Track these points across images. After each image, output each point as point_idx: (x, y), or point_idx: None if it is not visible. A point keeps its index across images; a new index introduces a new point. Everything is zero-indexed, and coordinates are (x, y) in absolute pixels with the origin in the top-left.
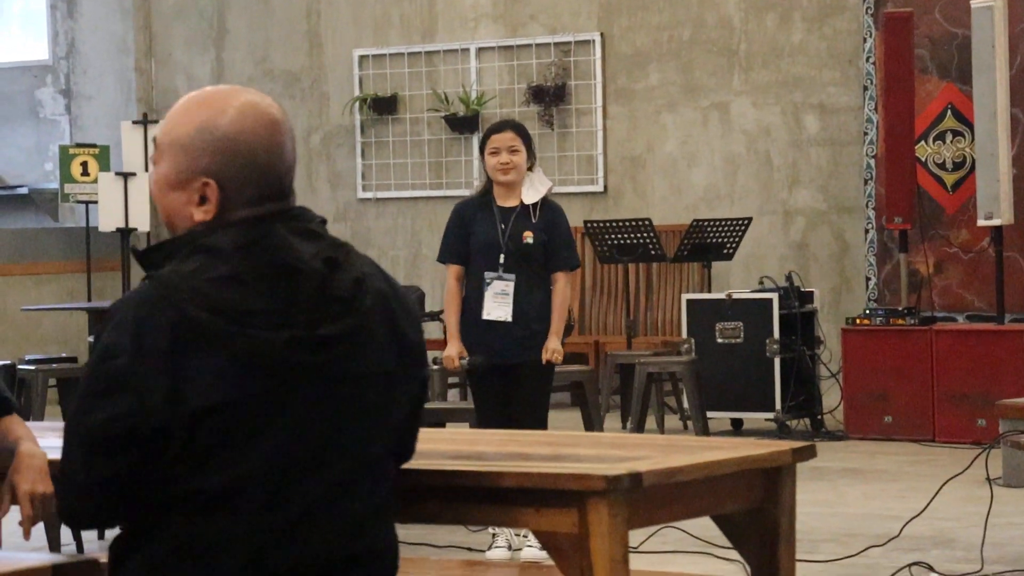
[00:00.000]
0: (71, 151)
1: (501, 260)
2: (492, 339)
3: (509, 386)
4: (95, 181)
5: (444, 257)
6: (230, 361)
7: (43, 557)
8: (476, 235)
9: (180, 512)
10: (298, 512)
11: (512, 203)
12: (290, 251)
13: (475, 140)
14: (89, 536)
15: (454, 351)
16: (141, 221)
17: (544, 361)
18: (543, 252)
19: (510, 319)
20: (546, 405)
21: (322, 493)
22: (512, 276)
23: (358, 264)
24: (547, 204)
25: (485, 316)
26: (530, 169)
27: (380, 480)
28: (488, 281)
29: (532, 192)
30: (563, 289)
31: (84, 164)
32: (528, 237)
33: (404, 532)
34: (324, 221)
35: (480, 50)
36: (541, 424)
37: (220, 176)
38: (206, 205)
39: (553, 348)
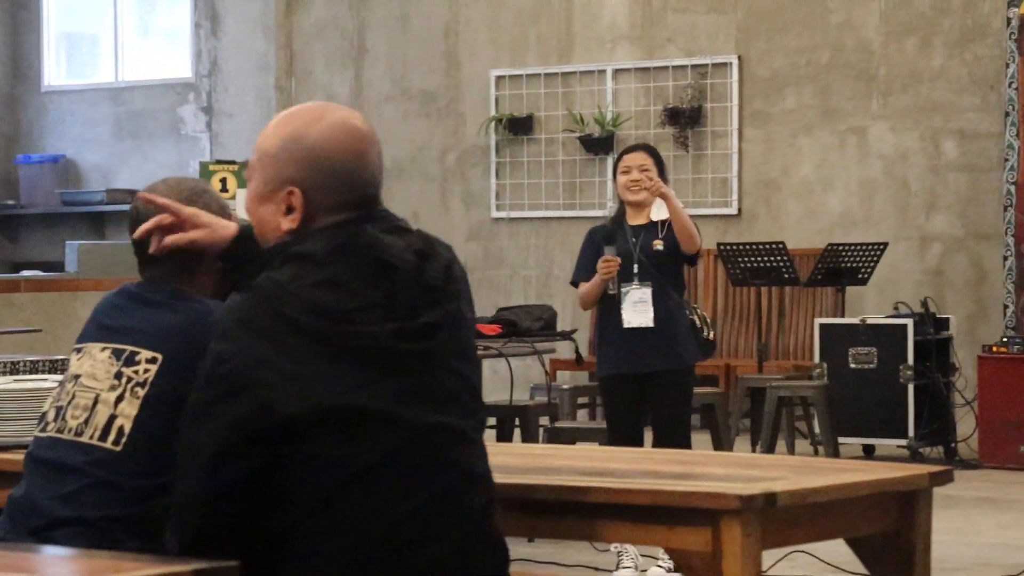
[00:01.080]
0: (211, 168)
1: (635, 270)
2: (634, 346)
3: (648, 395)
4: (234, 197)
5: (577, 278)
6: (341, 358)
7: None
8: (609, 251)
9: (313, 517)
10: (424, 500)
11: (642, 221)
12: (382, 248)
13: (609, 161)
14: None
15: (601, 264)
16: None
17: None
18: (674, 260)
19: (651, 324)
20: (688, 416)
21: (445, 481)
22: (649, 284)
23: (443, 252)
24: (667, 226)
25: (626, 324)
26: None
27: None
28: (625, 291)
29: (661, 211)
30: (692, 227)
31: (223, 180)
32: (658, 244)
33: (531, 550)
34: (406, 222)
35: (616, 71)
36: (684, 438)
37: (305, 184)
38: (292, 214)
39: (656, 181)
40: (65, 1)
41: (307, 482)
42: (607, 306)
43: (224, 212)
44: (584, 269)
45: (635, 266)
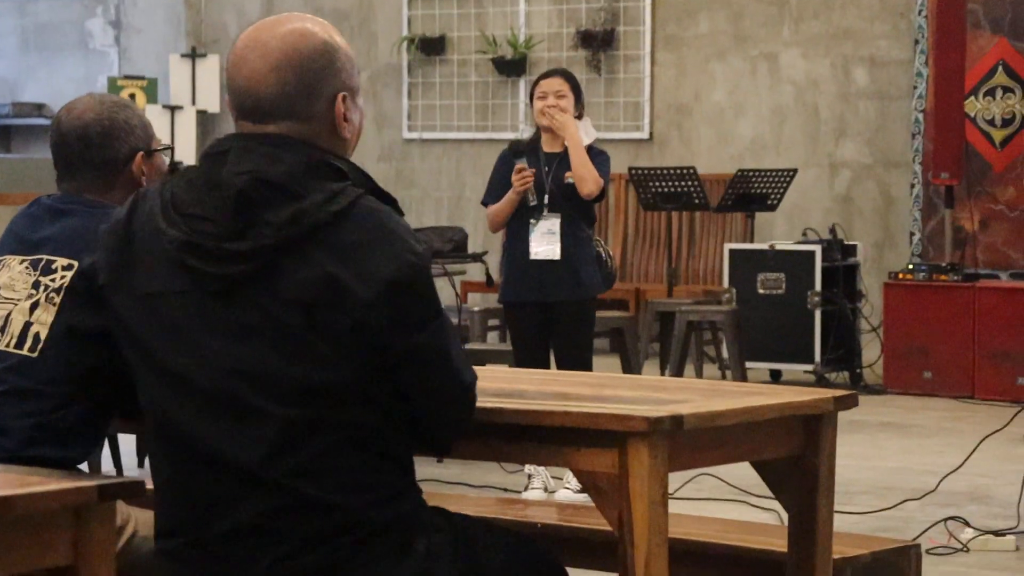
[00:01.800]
0: (119, 83)
1: (545, 200)
2: (539, 276)
3: (551, 323)
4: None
5: (488, 199)
6: (157, 256)
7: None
8: (521, 163)
9: None
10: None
11: (557, 148)
12: (230, 164)
13: (522, 83)
14: (129, 464)
15: (515, 176)
16: (187, 154)
17: (522, 179)
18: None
19: (558, 257)
20: (590, 344)
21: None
22: (557, 216)
23: (321, 198)
24: (592, 151)
25: (533, 256)
26: (578, 118)
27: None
28: (534, 222)
29: (585, 136)
30: (593, 171)
31: (132, 96)
32: (570, 177)
33: (440, 470)
34: (336, 168)
35: None
36: (585, 363)
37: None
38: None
39: (561, 117)
40: None
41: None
42: (514, 232)
43: (145, 129)
44: (496, 189)
45: (546, 196)
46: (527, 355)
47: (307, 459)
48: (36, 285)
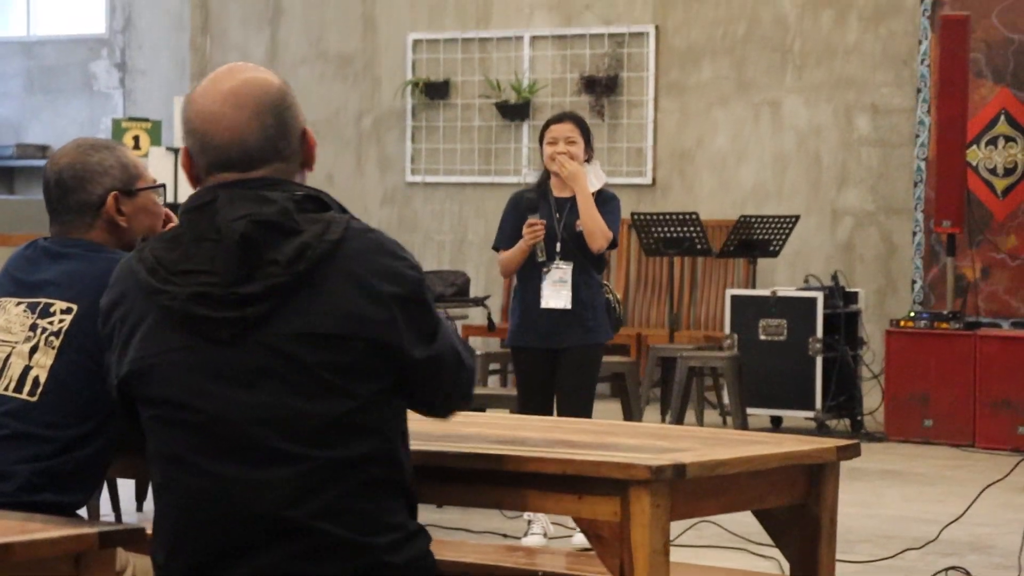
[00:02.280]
0: (123, 124)
1: (557, 249)
2: (549, 324)
3: (557, 368)
4: (146, 155)
5: (499, 244)
6: (164, 318)
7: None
8: (534, 217)
9: None
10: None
11: (567, 193)
12: (223, 213)
13: (526, 128)
14: (128, 508)
15: (527, 229)
16: (187, 191)
17: (560, 168)
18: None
19: (569, 306)
20: (593, 390)
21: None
22: (569, 264)
23: (317, 231)
24: (603, 196)
25: (544, 304)
26: (587, 161)
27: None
28: (546, 269)
29: (593, 181)
30: (604, 225)
31: (136, 138)
32: (580, 226)
33: (440, 516)
34: (315, 198)
35: (534, 38)
36: (586, 408)
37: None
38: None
39: (572, 165)
40: None
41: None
42: (525, 278)
43: (125, 169)
44: (506, 235)
45: (558, 244)
46: (532, 400)
47: (332, 499)
48: (34, 328)
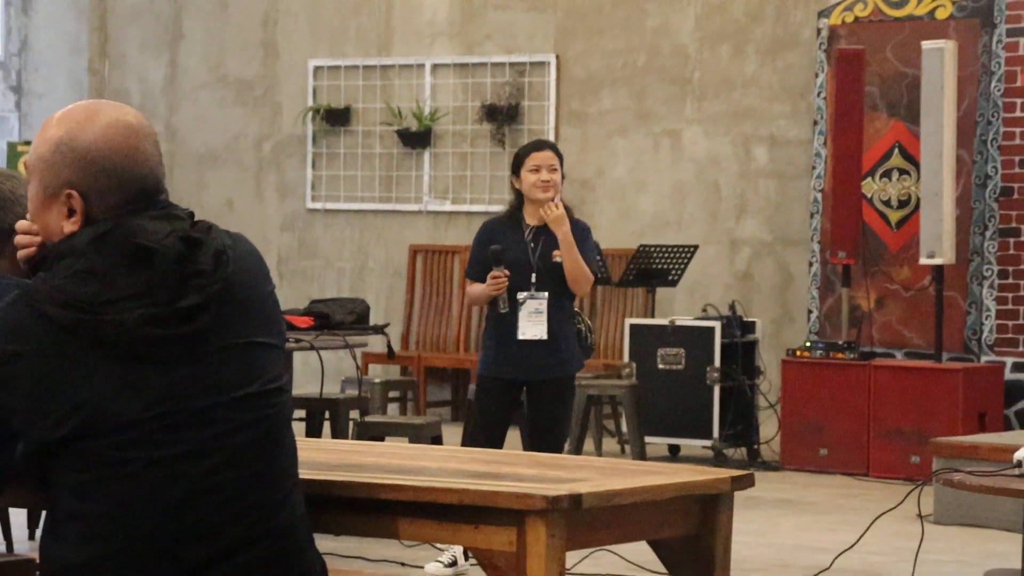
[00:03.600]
0: (19, 148)
1: (533, 279)
2: (522, 355)
3: (530, 399)
4: None
5: (472, 273)
6: (97, 353)
7: None
8: (505, 253)
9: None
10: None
11: (541, 221)
12: (143, 234)
13: (427, 155)
14: (20, 536)
15: (490, 280)
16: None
17: (547, 210)
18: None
19: (545, 337)
20: (568, 420)
21: (206, 464)
22: (544, 294)
23: (219, 238)
24: (577, 225)
25: (520, 336)
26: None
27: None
28: (521, 300)
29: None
30: (587, 271)
31: None
32: (557, 256)
33: (336, 544)
34: (192, 213)
35: (435, 66)
36: (560, 440)
37: (82, 186)
38: (74, 216)
39: (558, 211)
40: None
41: (65, 484)
42: (502, 314)
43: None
44: (476, 264)
45: (533, 275)
46: (491, 430)
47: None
48: None
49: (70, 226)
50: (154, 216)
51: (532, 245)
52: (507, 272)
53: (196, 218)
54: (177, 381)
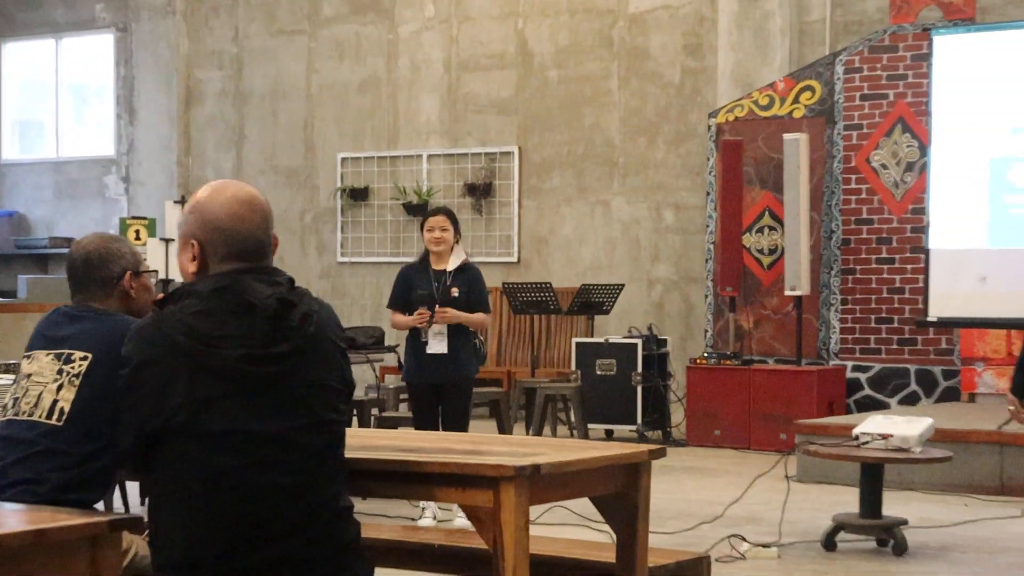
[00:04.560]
0: (128, 222)
1: (436, 308)
2: (433, 365)
3: (441, 399)
4: (145, 244)
5: (392, 305)
6: (202, 372)
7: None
8: (417, 290)
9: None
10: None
11: (442, 266)
12: (250, 292)
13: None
14: (133, 502)
15: (416, 315)
16: (177, 275)
17: (422, 321)
18: (466, 301)
19: (446, 351)
20: (468, 410)
21: (285, 481)
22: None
23: (309, 304)
24: (468, 268)
25: (428, 351)
26: (457, 242)
27: (329, 468)
28: (429, 325)
29: (455, 259)
30: (481, 318)
31: (137, 232)
32: (454, 292)
33: (365, 506)
34: (292, 280)
35: (430, 156)
36: (464, 425)
37: (201, 239)
38: (195, 261)
39: (449, 312)
40: (17, 95)
41: (164, 468)
42: (415, 332)
43: (134, 255)
44: (398, 297)
45: (436, 305)
46: (423, 419)
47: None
48: (60, 372)
49: (192, 267)
50: (260, 279)
51: (436, 284)
52: (429, 313)
53: (294, 283)
54: (258, 406)
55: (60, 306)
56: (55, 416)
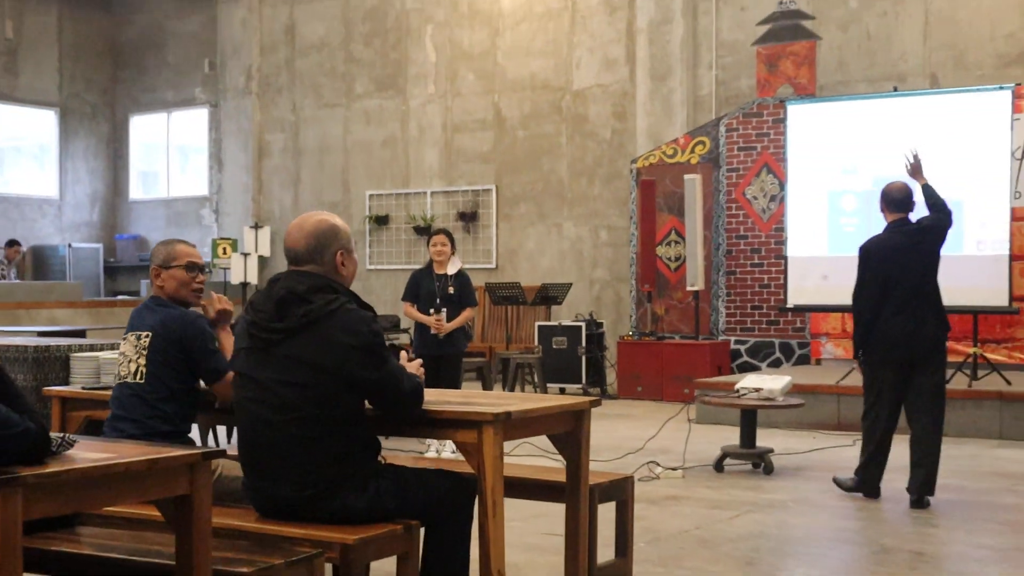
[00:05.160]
0: (217, 242)
1: (438, 302)
2: (435, 343)
3: (440, 367)
4: (230, 257)
5: (405, 298)
6: (243, 329)
7: (198, 448)
8: (423, 288)
9: None
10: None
11: (443, 271)
12: (276, 284)
13: (427, 240)
14: (222, 440)
15: (432, 318)
16: (253, 278)
17: (436, 329)
18: (459, 298)
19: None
20: (460, 376)
21: (271, 417)
22: (444, 310)
23: (318, 301)
24: (461, 273)
25: (432, 332)
26: (453, 254)
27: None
28: (431, 313)
29: (452, 267)
30: (468, 313)
31: (224, 248)
32: (451, 290)
33: (388, 443)
34: (329, 285)
35: (433, 192)
36: (457, 386)
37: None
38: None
39: (444, 327)
40: (141, 153)
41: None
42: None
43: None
44: (410, 291)
45: (438, 300)
46: (428, 381)
47: (320, 434)
48: (138, 347)
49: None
50: (291, 276)
51: (438, 284)
52: (441, 317)
53: (319, 284)
54: (258, 360)
55: (145, 300)
56: (138, 376)
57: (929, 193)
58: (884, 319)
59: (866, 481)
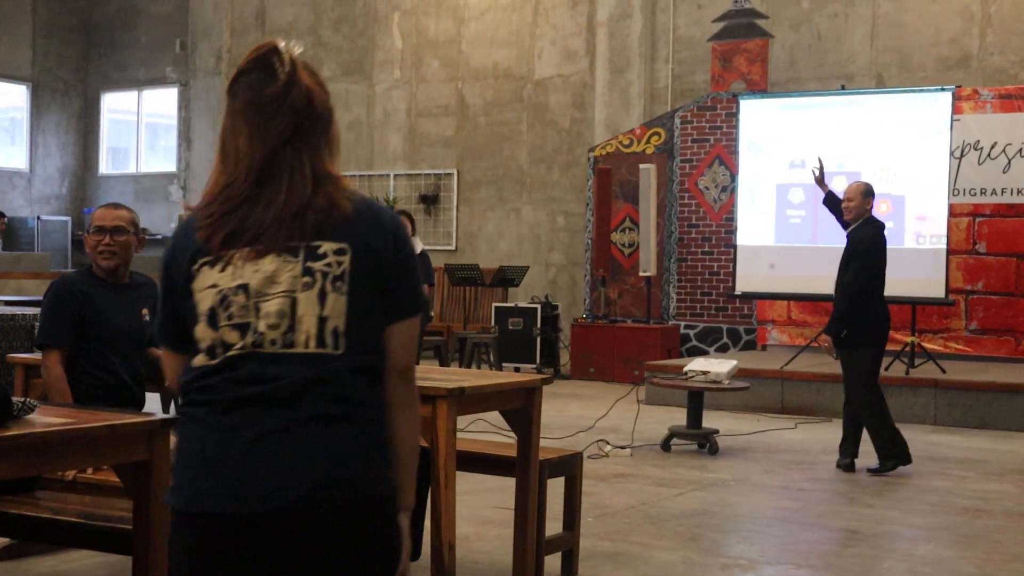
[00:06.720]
0: (183, 218)
1: None
2: None
3: None
4: None
5: None
6: None
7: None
8: None
9: None
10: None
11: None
12: None
13: None
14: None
15: None
16: None
17: None
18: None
19: None
20: (419, 351)
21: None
22: None
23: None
24: (421, 253)
25: None
26: (413, 235)
27: None
28: None
29: (416, 247)
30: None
31: None
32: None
33: None
34: None
35: (396, 176)
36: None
37: None
38: None
39: None
40: (111, 129)
41: None
42: None
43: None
44: None
45: None
46: None
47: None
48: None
49: None
50: None
51: None
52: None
53: None
54: None
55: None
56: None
57: (834, 200)
58: (881, 304)
59: (899, 454)
